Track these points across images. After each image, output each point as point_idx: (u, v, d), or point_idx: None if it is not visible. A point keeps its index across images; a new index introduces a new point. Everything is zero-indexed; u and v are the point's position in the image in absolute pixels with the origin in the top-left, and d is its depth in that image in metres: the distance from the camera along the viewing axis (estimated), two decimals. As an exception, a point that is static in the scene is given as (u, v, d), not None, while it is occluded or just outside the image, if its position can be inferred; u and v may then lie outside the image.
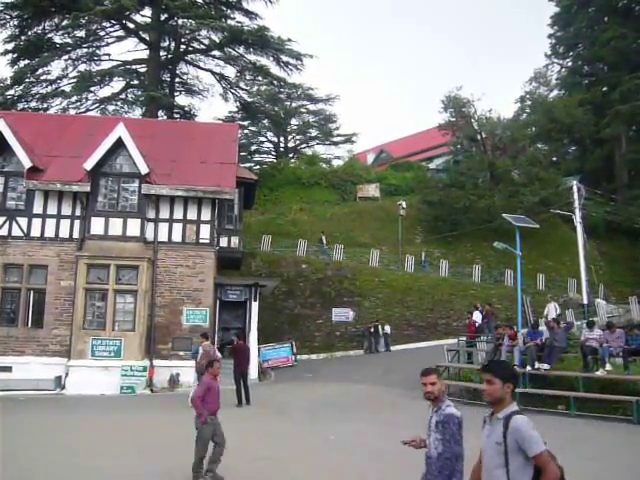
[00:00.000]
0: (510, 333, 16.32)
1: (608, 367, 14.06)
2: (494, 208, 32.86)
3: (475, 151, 39.09)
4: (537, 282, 31.60)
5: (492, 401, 3.95)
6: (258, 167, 48.50)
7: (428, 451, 4.41)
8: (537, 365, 15.05)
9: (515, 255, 21.98)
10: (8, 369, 18.80)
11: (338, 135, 56.36)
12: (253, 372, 20.37)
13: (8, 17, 38.41)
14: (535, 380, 15.11)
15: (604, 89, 43.32)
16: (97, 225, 20.42)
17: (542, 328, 16.31)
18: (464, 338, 21.51)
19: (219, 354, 16.57)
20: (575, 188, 26.15)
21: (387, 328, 27.24)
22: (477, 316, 22.37)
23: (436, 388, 4.44)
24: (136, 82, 42.10)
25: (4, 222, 20.33)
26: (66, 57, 40.52)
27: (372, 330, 26.90)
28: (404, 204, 34.44)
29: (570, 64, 48.09)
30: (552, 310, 22.59)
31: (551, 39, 47.85)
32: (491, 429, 3.92)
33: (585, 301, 25.57)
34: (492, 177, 36.78)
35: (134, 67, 42.08)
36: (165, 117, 41.78)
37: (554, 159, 43.02)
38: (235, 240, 23.86)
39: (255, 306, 22.46)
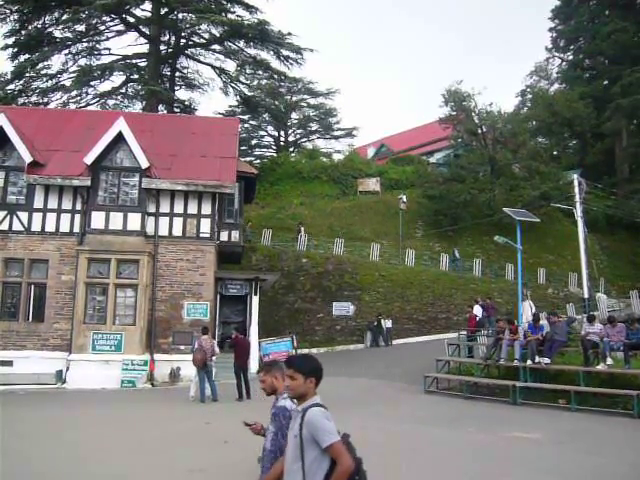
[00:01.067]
0: (511, 327, 16.33)
1: (609, 361, 14.06)
2: (495, 202, 32.91)
3: (476, 145, 39.05)
4: (538, 276, 31.61)
5: (295, 396, 3.90)
6: (258, 161, 48.47)
7: (264, 442, 4.40)
8: (537, 359, 15.05)
9: (516, 249, 21.98)
10: (9, 363, 18.82)
11: (339, 129, 56.33)
12: (254, 366, 20.39)
13: (8, 11, 38.26)
14: (536, 374, 15.12)
15: (605, 83, 43.25)
16: (98, 219, 20.40)
17: (543, 322, 16.28)
18: (464, 332, 21.52)
19: (217, 349, 16.59)
20: (576, 182, 26.09)
21: (388, 323, 27.28)
22: (478, 310, 22.38)
23: (266, 384, 4.41)
24: (136, 76, 41.94)
25: (5, 217, 20.30)
26: (66, 51, 40.42)
27: (376, 324, 26.97)
28: (404, 198, 34.42)
29: (571, 58, 48.02)
30: (527, 309, 22.37)
31: (552, 33, 47.79)
32: (293, 423, 3.85)
33: (586, 295, 25.56)
34: (493, 171, 36.76)
35: (134, 61, 41.90)
36: (165, 111, 41.65)
37: (555, 153, 43.06)
38: (235, 234, 23.85)
39: (255, 300, 22.47)
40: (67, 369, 19.01)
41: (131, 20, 40.45)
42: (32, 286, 20.18)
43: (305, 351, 25.83)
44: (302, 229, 31.86)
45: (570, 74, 46.41)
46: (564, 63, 48.80)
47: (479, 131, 38.28)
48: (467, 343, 20.07)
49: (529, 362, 15.13)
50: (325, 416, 3.69)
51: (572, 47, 47.74)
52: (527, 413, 13.84)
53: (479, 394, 16.15)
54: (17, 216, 20.35)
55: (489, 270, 32.09)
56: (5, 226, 20.25)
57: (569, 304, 27.64)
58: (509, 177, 35.69)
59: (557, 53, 48.70)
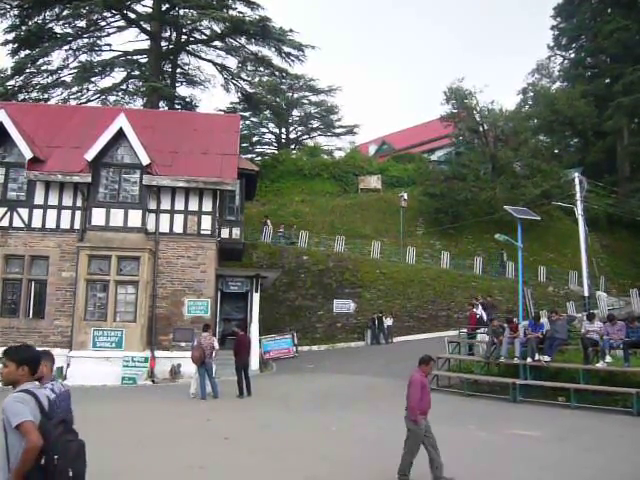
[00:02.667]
0: (511, 325, 16.34)
1: (608, 359, 14.08)
2: (495, 200, 32.87)
3: (477, 143, 39.00)
4: (538, 274, 31.61)
5: (7, 383, 4.12)
6: (259, 158, 48.44)
7: None
8: (538, 357, 15.07)
9: (516, 247, 21.98)
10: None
11: (340, 126, 56.27)
12: (254, 363, 20.42)
13: (8, 7, 38.18)
14: (536, 372, 15.14)
15: (607, 81, 43.16)
16: (98, 216, 20.40)
17: (543, 320, 16.31)
18: (465, 330, 21.53)
19: (217, 346, 16.61)
20: (577, 180, 26.06)
21: (389, 320, 27.27)
22: (478, 308, 22.39)
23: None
24: (137, 73, 41.90)
25: (5, 213, 20.29)
26: (67, 47, 40.35)
27: (377, 322, 26.97)
28: (405, 196, 34.40)
29: (573, 56, 47.91)
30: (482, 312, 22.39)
31: (554, 31, 47.65)
32: None
33: (586, 293, 25.55)
34: (494, 169, 36.72)
35: (135, 57, 41.85)
36: (166, 108, 41.63)
37: (556, 151, 42.97)
38: (236, 231, 23.85)
39: (256, 297, 22.47)
40: (68, 366, 19.02)
41: (132, 16, 40.38)
42: (32, 283, 20.18)
43: (306, 349, 25.90)
44: (268, 222, 31.79)
45: (572, 72, 46.29)
46: (566, 61, 48.70)
47: (480, 129, 38.23)
48: (467, 341, 20.06)
49: (529, 360, 15.15)
50: (18, 400, 3.88)
51: (574, 45, 47.62)
52: (527, 410, 13.86)
53: (479, 392, 16.19)
54: (17, 212, 20.35)
55: (490, 268, 32.09)
56: (5, 222, 20.25)
57: (569, 302, 27.63)
58: (510, 175, 35.66)
59: (559, 51, 48.59)
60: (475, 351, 19.33)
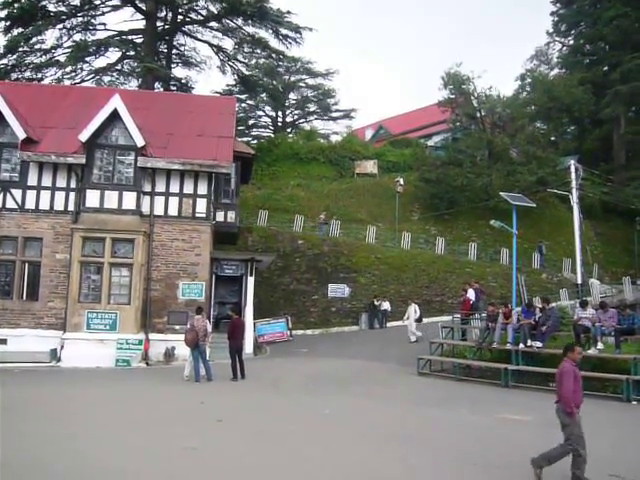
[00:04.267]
0: (504, 311, 16.43)
1: (600, 346, 14.21)
2: (491, 186, 32.87)
3: (474, 129, 38.89)
4: (532, 261, 31.71)
5: None
6: (255, 141, 48.19)
7: None
8: (530, 343, 15.19)
9: (511, 233, 22.02)
10: (3, 341, 18.83)
11: (337, 110, 56.07)
12: (248, 347, 20.48)
13: (0, -17, 37.62)
14: (528, 358, 15.27)
15: (605, 69, 42.99)
16: (92, 198, 20.27)
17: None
18: (458, 315, 21.65)
19: (210, 328, 16.64)
20: (573, 168, 26.11)
21: (386, 305, 27.34)
22: (472, 294, 22.49)
23: None
24: (132, 53, 41.44)
25: (-2, 194, 20.16)
26: (60, 26, 39.77)
27: (372, 306, 27.09)
28: (402, 181, 34.33)
29: (572, 42, 47.67)
30: (412, 312, 23.16)
31: (553, 17, 47.36)
32: None
33: (579, 281, 25.70)
34: (490, 155, 36.66)
35: (130, 37, 41.35)
36: (162, 89, 41.25)
37: (553, 138, 42.90)
38: (232, 215, 23.77)
39: (251, 281, 22.46)
40: (62, 348, 19.03)
41: (127, -5, 39.87)
42: (26, 264, 20.07)
43: (300, 333, 25.96)
44: (323, 216, 31.93)
45: (570, 59, 46.08)
46: (565, 48, 48.46)
47: (478, 115, 38.09)
48: (461, 326, 20.18)
49: (521, 346, 15.27)
50: None
51: (573, 32, 47.33)
52: (518, 396, 13.99)
53: (471, 376, 16.32)
54: (11, 193, 20.20)
55: (484, 254, 32.16)
56: (-2, 203, 20.11)
57: (562, 289, 27.77)
58: (506, 162, 35.61)
59: (558, 37, 48.31)
60: (468, 336, 19.47)
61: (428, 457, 8.54)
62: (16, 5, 38.19)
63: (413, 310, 23.37)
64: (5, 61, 40.22)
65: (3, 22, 38.50)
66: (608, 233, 37.25)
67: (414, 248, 31.90)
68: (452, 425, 10.75)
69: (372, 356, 20.21)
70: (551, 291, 27.52)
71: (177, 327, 19.74)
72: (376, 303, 27.18)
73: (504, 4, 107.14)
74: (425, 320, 26.71)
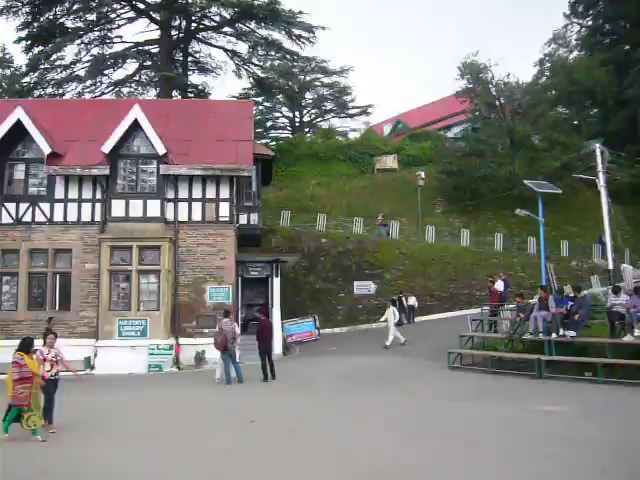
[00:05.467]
0: (542, 295, 16.03)
1: (636, 332, 13.85)
2: (515, 175, 32.42)
3: (494, 117, 38.45)
4: (561, 248, 31.25)
5: None
6: (274, 143, 48.38)
7: None
8: (563, 332, 14.91)
9: (537, 222, 21.72)
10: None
11: (354, 107, 55.95)
12: (277, 347, 20.55)
13: (20, 4, 38.51)
14: (561, 348, 14.98)
15: (626, 48, 42.05)
16: (118, 207, 20.58)
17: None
18: (487, 307, 21.42)
19: (238, 330, 16.75)
20: (598, 151, 25.54)
21: (412, 300, 27.15)
22: (500, 285, 22.25)
23: None
24: (149, 63, 42.06)
25: (27, 208, 20.58)
26: (79, 41, 40.63)
27: (397, 302, 26.90)
28: (423, 174, 34.13)
29: (590, 23, 46.69)
30: (390, 316, 21.98)
31: (569, -2, 46.49)
32: None
33: (610, 266, 25.18)
34: (512, 143, 36.21)
35: (146, 48, 41.98)
36: (179, 97, 41.74)
37: (575, 122, 42.14)
38: (254, 217, 23.92)
39: (277, 282, 22.57)
40: (95, 355, 19.36)
41: (141, 6, 40.44)
42: (57, 275, 20.50)
43: (328, 331, 25.95)
44: (381, 217, 31.99)
45: (590, 40, 45.19)
46: (583, 29, 47.50)
47: (497, 103, 37.66)
48: (490, 318, 19.94)
49: (554, 335, 15.01)
50: None
51: (591, 12, 46.34)
52: (553, 387, 13.77)
53: (504, 369, 16.08)
54: (39, 207, 20.63)
55: (511, 244, 31.79)
56: (28, 218, 20.54)
57: (593, 276, 27.29)
58: (529, 149, 35.15)
59: (576, 19, 47.37)
60: (498, 328, 19.23)
61: (470, 452, 8.41)
62: (35, 24, 39.10)
63: (392, 313, 21.99)
64: (28, 79, 41.32)
65: (24, 41, 39.47)
66: (639, 216, 36.48)
67: (439, 241, 31.69)
68: (488, 419, 10.63)
69: (401, 352, 20.14)
70: (582, 278, 27.09)
71: (206, 331, 19.90)
72: (402, 299, 26.95)
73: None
74: (453, 314, 26.55)
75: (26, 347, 9.96)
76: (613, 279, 23.90)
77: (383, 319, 22.85)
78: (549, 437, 9.14)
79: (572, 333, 14.70)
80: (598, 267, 29.24)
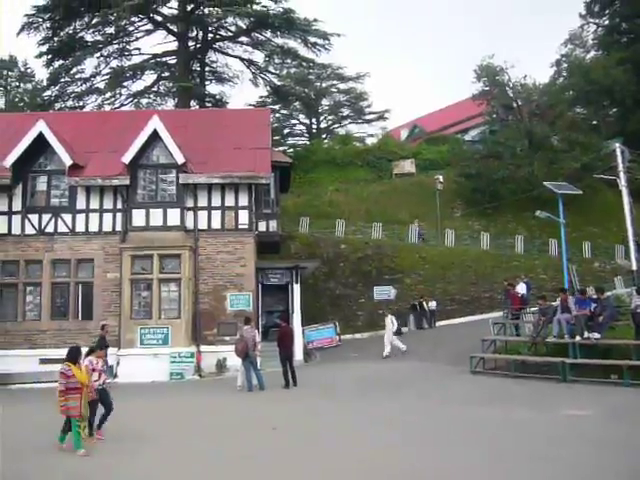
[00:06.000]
0: (563, 297, 15.83)
1: (662, 333, 13.65)
2: (534, 177, 32.18)
3: (511, 119, 38.25)
4: (583, 250, 30.88)
5: None
6: (292, 150, 48.53)
7: None
8: (587, 334, 14.69)
9: (558, 223, 21.51)
10: (62, 361, 19.39)
11: (370, 113, 55.96)
12: (298, 353, 20.56)
13: (40, 20, 39.31)
14: (585, 350, 14.76)
15: (644, 46, 41.55)
16: (138, 217, 20.81)
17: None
18: (508, 310, 21.22)
19: (259, 337, 16.78)
20: (618, 151, 25.22)
21: (433, 304, 27.03)
22: (521, 287, 22.07)
23: None
24: (167, 74, 42.53)
25: (50, 219, 20.89)
26: (98, 54, 41.29)
27: (417, 306, 26.81)
28: (441, 178, 34.02)
29: (607, 22, 46.27)
30: (389, 324, 21.47)
31: (585, -2, 46.12)
32: None
33: (634, 267, 24.81)
34: (530, 145, 35.95)
35: (164, 59, 42.50)
36: (197, 106, 42.13)
37: (594, 122, 41.74)
38: (273, 224, 24.01)
39: (297, 288, 22.61)
40: (117, 364, 19.51)
41: (159, 19, 40.97)
42: (80, 285, 20.76)
43: (349, 337, 25.89)
44: (416, 224, 32.26)
45: (607, 39, 44.75)
46: (600, 29, 47.08)
47: (514, 105, 37.46)
48: (512, 321, 19.74)
49: (578, 338, 14.80)
50: None
51: (607, 11, 45.94)
52: (578, 390, 13.58)
53: (527, 372, 15.88)
54: (62, 218, 20.93)
55: (532, 246, 31.49)
56: (51, 228, 20.85)
57: (617, 277, 26.93)
58: (548, 150, 34.86)
59: (592, 19, 46.99)
60: (521, 332, 19.02)
61: (492, 456, 8.35)
62: (56, 39, 39.88)
63: (390, 322, 21.52)
64: (49, 92, 42.15)
65: (45, 56, 40.28)
66: (661, 215, 35.90)
67: (458, 245, 31.51)
68: (512, 423, 10.52)
69: (423, 357, 20.02)
70: (605, 279, 26.75)
71: (227, 338, 19.97)
72: (423, 303, 26.85)
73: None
74: (475, 317, 26.32)
75: (74, 357, 9.72)
76: (637, 280, 23.56)
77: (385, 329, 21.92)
78: (576, 440, 9.03)
79: (596, 335, 14.50)
80: (621, 268, 28.84)
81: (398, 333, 21.99)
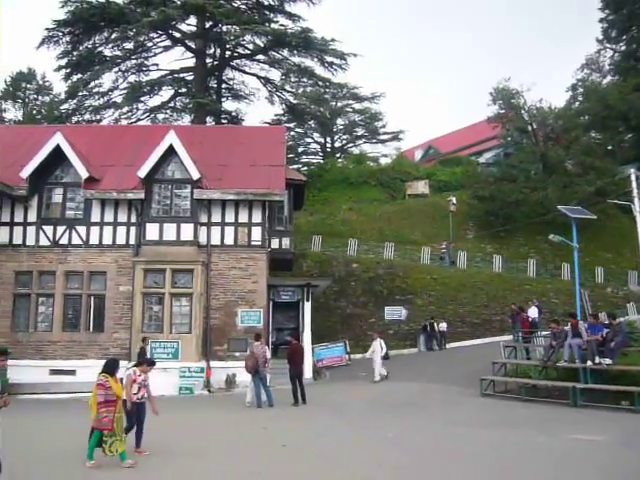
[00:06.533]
0: (573, 322, 15.72)
1: (675, 361, 13.49)
2: (548, 200, 32.11)
3: (526, 143, 38.30)
4: (596, 275, 30.66)
5: None
6: (306, 168, 48.84)
7: None
8: (598, 360, 14.57)
9: (571, 248, 21.39)
10: (72, 372, 19.45)
11: (385, 133, 56.25)
12: (308, 372, 20.47)
13: (60, 34, 40.02)
14: (597, 376, 14.63)
15: (661, 72, 41.58)
16: (152, 231, 20.94)
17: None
18: (519, 333, 21.10)
19: (269, 354, 16.77)
20: (633, 177, 25.15)
21: (443, 325, 26.91)
22: (533, 311, 21.95)
23: None
24: (184, 90, 43.05)
25: (64, 231, 21.07)
26: (116, 69, 41.91)
27: (428, 327, 26.69)
28: (454, 200, 34.01)
29: (624, 48, 46.41)
30: (378, 348, 20.58)
31: (602, 23, 46.33)
32: None
33: (647, 293, 24.63)
34: (545, 169, 35.94)
35: (182, 75, 43.05)
36: (213, 123, 42.55)
37: (609, 148, 41.66)
38: (286, 241, 24.07)
39: (308, 306, 22.59)
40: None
41: (177, 35, 41.58)
42: (92, 297, 20.82)
43: (358, 356, 25.77)
44: (445, 245, 32.35)
45: (623, 65, 44.84)
46: (616, 54, 47.23)
47: (529, 128, 37.53)
48: (523, 344, 19.61)
49: (589, 363, 14.67)
50: None
51: (624, 37, 46.12)
52: (588, 415, 13.44)
53: (538, 396, 15.76)
54: (76, 230, 21.09)
55: (544, 270, 31.32)
56: (65, 240, 21.02)
57: (630, 303, 26.68)
58: (562, 174, 34.80)
59: (609, 44, 47.17)
60: (532, 355, 18.88)
61: (502, 479, 8.28)
62: (75, 53, 40.57)
63: (379, 345, 20.75)
64: (66, 106, 42.77)
65: (64, 70, 40.93)
66: (675, 243, 35.61)
67: (470, 267, 31.41)
68: (522, 447, 10.42)
69: (432, 378, 19.88)
70: (617, 305, 26.54)
71: (237, 354, 19.96)
72: (434, 324, 26.74)
73: (549, 15, 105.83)
74: (485, 340, 26.15)
75: (112, 369, 9.70)
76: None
77: (369, 352, 21.20)
78: (584, 465, 8.92)
79: (608, 361, 14.38)
80: (634, 294, 28.60)
81: (385, 358, 21.38)
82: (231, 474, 8.84)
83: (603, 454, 9.72)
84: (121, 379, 10.28)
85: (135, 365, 10.12)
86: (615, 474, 8.38)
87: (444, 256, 31.74)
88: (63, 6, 38.63)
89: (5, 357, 7.33)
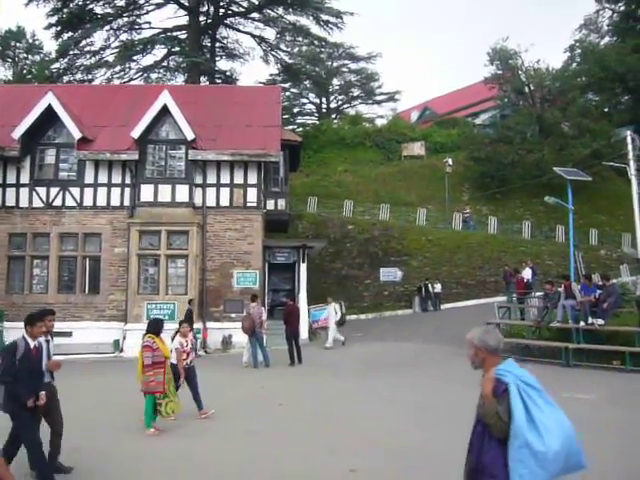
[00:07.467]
0: (566, 284, 15.88)
1: (666, 321, 13.70)
2: (543, 162, 32.03)
3: (523, 104, 37.92)
4: (590, 237, 30.80)
5: None
6: (301, 129, 48.35)
7: None
8: (591, 320, 14.77)
9: (566, 210, 21.43)
10: (69, 334, 19.53)
11: (381, 94, 55.68)
12: (303, 333, 20.69)
13: (50, -10, 38.90)
14: (589, 336, 14.86)
15: (660, 33, 40.97)
16: (147, 192, 20.84)
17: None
18: (515, 294, 21.32)
19: (265, 315, 16.91)
20: (629, 139, 25.03)
21: (437, 287, 27.09)
22: (527, 272, 22.10)
23: None
24: (177, 49, 42.24)
25: (58, 193, 20.94)
26: (108, 27, 41.00)
27: (422, 289, 26.89)
28: (450, 161, 33.85)
29: (623, 8, 45.57)
30: (332, 313, 20.18)
31: (602, -18, 45.37)
32: None
33: (640, 255, 24.76)
34: (541, 130, 35.69)
35: (175, 34, 42.17)
36: (207, 82, 41.91)
37: (606, 110, 41.32)
38: (282, 203, 24.03)
39: (303, 267, 22.69)
40: (124, 338, 19.71)
41: (170, -8, 40.57)
42: (87, 259, 20.87)
43: (354, 317, 26.03)
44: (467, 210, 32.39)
45: (622, 26, 44.08)
46: (615, 15, 46.41)
47: (526, 90, 37.09)
48: (518, 305, 19.83)
49: (582, 324, 14.88)
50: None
51: (624, -3, 45.28)
52: (580, 375, 13.69)
53: (531, 356, 16.00)
54: (69, 192, 20.97)
55: (539, 232, 31.44)
56: (59, 202, 20.90)
57: (623, 265, 26.88)
58: (558, 136, 34.59)
59: (607, 4, 46.29)
60: (526, 316, 19.11)
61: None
62: (65, 10, 39.55)
63: (333, 309, 20.30)
64: (57, 65, 41.90)
65: (54, 28, 39.97)
66: (670, 205, 35.70)
67: (466, 229, 31.47)
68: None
69: (427, 339, 20.11)
70: (610, 267, 26.70)
71: (233, 315, 20.14)
72: (428, 285, 26.92)
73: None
74: (480, 301, 26.37)
75: (157, 329, 9.34)
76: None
77: (327, 316, 20.99)
78: (576, 423, 9.07)
79: (600, 321, 14.59)
80: (627, 256, 28.79)
81: (341, 323, 21.27)
82: (228, 433, 8.98)
83: (593, 412, 9.91)
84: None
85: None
86: (604, 430, 8.56)
87: (468, 219, 31.73)
88: (52, -40, 37.55)
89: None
